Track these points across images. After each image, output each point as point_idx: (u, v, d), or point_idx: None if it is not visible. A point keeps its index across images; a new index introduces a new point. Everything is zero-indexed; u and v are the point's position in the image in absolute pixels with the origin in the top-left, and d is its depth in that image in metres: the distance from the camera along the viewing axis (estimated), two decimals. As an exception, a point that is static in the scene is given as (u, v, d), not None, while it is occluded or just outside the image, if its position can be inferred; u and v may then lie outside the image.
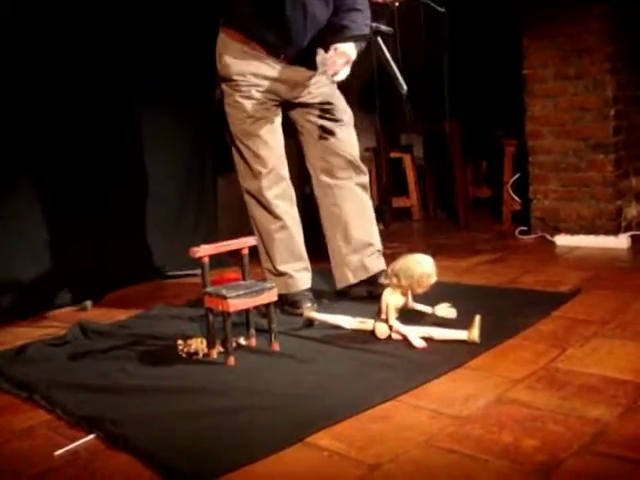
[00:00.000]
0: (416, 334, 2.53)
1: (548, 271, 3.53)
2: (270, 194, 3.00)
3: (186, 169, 4.17)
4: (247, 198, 3.07)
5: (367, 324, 2.68)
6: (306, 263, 3.12)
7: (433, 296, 2.77)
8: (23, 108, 3.39)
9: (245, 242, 2.65)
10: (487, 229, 4.72)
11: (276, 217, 3.02)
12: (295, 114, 3.09)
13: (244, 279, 2.65)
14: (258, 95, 2.94)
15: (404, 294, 2.60)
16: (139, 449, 1.86)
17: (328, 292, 3.26)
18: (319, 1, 2.86)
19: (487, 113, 5.10)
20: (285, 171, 3.05)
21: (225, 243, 2.65)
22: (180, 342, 2.63)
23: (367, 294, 3.11)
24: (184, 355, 2.57)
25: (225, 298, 2.41)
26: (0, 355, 2.74)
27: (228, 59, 2.94)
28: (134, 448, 1.87)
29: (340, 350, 2.52)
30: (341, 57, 2.76)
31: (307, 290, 3.09)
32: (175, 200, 4.10)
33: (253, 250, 2.80)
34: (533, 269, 3.57)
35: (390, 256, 2.72)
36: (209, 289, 2.50)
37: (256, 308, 2.67)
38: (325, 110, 3.05)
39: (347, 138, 3.09)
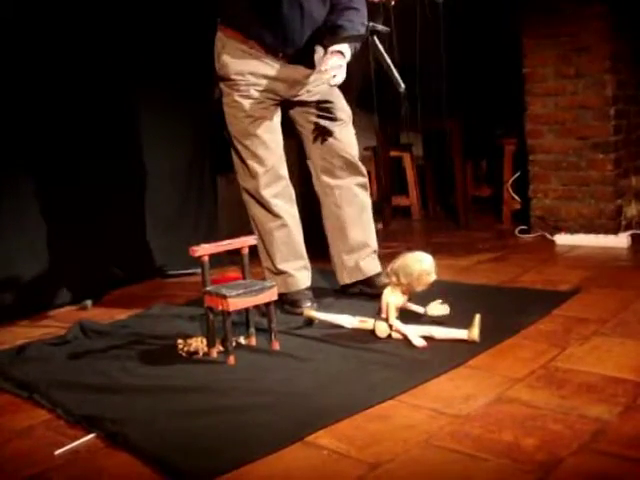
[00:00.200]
0: (416, 333, 2.53)
1: (548, 270, 3.53)
2: (268, 193, 3.00)
3: (186, 168, 4.17)
4: (246, 197, 3.07)
5: (367, 323, 2.68)
6: (306, 262, 3.13)
7: (433, 295, 2.78)
8: (23, 107, 3.38)
9: (245, 241, 2.65)
10: (487, 228, 4.72)
11: (275, 216, 3.02)
12: (294, 113, 3.09)
13: (244, 278, 2.65)
14: (257, 94, 2.94)
15: (404, 293, 2.60)
16: (139, 448, 1.86)
17: (328, 291, 3.26)
18: (316, 1, 2.86)
19: (487, 112, 5.10)
20: (284, 170, 3.05)
21: (225, 242, 2.65)
22: (180, 341, 2.63)
23: (359, 291, 3.17)
24: (184, 354, 2.57)
25: (225, 297, 2.41)
26: (0, 354, 2.74)
27: (226, 58, 2.94)
28: (134, 447, 1.87)
29: (340, 349, 2.52)
30: (337, 62, 2.75)
31: (307, 289, 3.09)
32: (175, 199, 4.10)
33: (253, 249, 2.80)
34: (533, 268, 3.57)
35: (389, 255, 2.72)
36: (209, 288, 2.50)
37: (256, 307, 2.68)
38: (324, 109, 3.05)
39: (346, 138, 3.09)
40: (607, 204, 4.08)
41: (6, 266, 3.33)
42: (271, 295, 2.54)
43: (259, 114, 2.95)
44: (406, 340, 2.53)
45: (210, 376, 2.35)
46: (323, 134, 3.05)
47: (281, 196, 3.04)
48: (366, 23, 2.82)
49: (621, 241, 3.94)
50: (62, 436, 2.00)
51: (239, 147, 3.00)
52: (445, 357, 2.36)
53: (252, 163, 2.98)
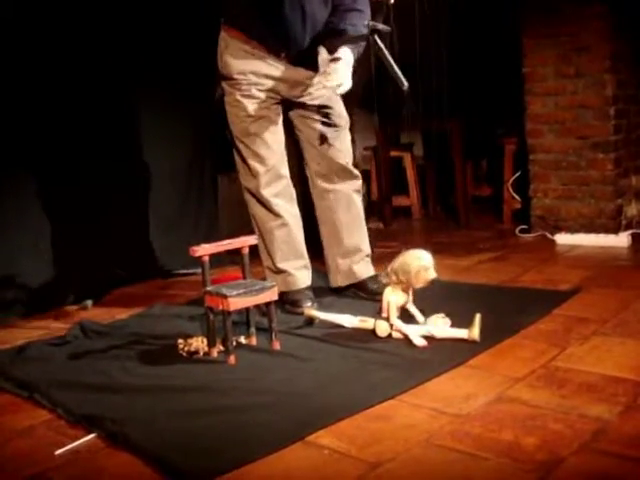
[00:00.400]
0: (417, 333, 2.53)
1: (548, 270, 3.53)
2: (269, 192, 3.01)
3: (186, 168, 4.17)
4: (247, 197, 3.07)
5: (368, 323, 2.68)
6: (306, 261, 3.14)
7: (433, 295, 2.78)
8: (24, 107, 3.38)
9: (245, 241, 2.66)
10: (487, 228, 4.72)
11: (276, 215, 3.03)
12: (293, 115, 3.10)
13: (244, 278, 2.65)
14: (258, 94, 2.94)
15: (405, 292, 2.60)
16: (140, 448, 1.86)
17: (329, 290, 3.26)
18: (318, 1, 2.86)
19: (487, 112, 5.10)
20: (285, 170, 3.06)
21: (225, 242, 2.65)
22: (180, 341, 2.63)
23: (353, 294, 3.20)
24: (184, 354, 2.57)
25: (225, 297, 2.42)
26: (1, 354, 2.74)
27: (229, 58, 2.94)
28: (135, 447, 1.87)
29: (341, 349, 2.52)
30: (343, 72, 2.79)
31: (307, 288, 3.10)
32: (176, 199, 4.10)
33: (253, 249, 2.80)
34: (533, 268, 3.57)
35: (390, 255, 2.71)
36: (209, 288, 2.50)
37: (256, 307, 2.68)
38: (323, 114, 3.07)
39: (341, 145, 3.11)
40: (607, 204, 4.08)
41: (6, 266, 3.33)
42: (271, 295, 2.54)
43: (260, 114, 2.96)
44: (406, 339, 2.53)
45: (210, 376, 2.35)
46: (319, 139, 3.08)
47: (282, 195, 3.04)
48: (367, 23, 2.82)
49: (621, 241, 3.94)
50: (62, 436, 2.00)
51: (240, 146, 3.01)
52: (445, 357, 2.36)
53: (253, 162, 2.98)
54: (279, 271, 3.07)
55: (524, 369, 2.23)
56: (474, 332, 2.46)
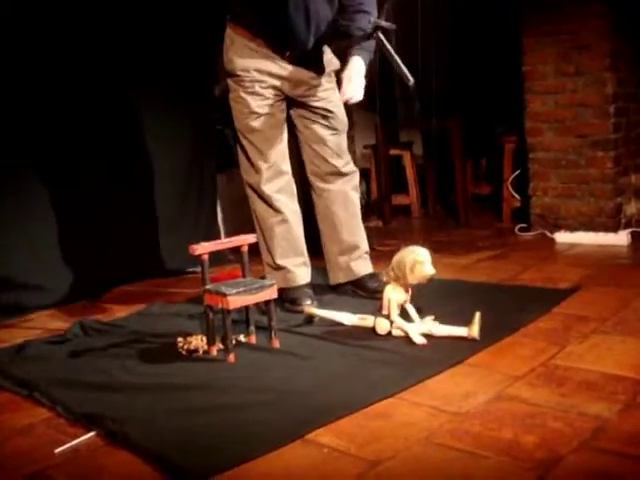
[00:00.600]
0: (416, 330, 2.53)
1: (548, 268, 3.53)
2: (270, 188, 3.02)
3: (186, 166, 4.17)
4: (249, 192, 3.09)
5: (367, 320, 2.68)
6: (305, 258, 3.15)
7: (433, 293, 2.78)
8: (24, 106, 3.39)
9: (245, 239, 2.65)
10: (487, 226, 4.72)
11: (276, 211, 3.04)
12: (294, 115, 3.10)
13: (244, 276, 2.65)
14: (262, 91, 2.95)
15: (406, 290, 2.60)
16: (139, 446, 1.86)
17: (328, 288, 3.27)
18: (322, 1, 2.86)
19: (487, 110, 5.10)
20: (287, 166, 3.07)
21: (225, 240, 2.65)
22: (180, 339, 2.63)
23: (352, 293, 3.21)
24: (184, 352, 2.57)
25: (225, 295, 2.42)
26: (0, 353, 2.74)
27: (233, 55, 2.95)
28: (134, 445, 1.87)
29: (340, 347, 2.52)
30: (357, 85, 2.92)
31: (306, 285, 3.11)
32: (175, 197, 4.09)
33: (253, 248, 2.80)
34: (533, 266, 3.57)
35: (389, 253, 2.71)
36: (209, 286, 2.50)
37: (256, 305, 2.68)
38: (324, 117, 3.08)
39: (337, 147, 3.13)
40: (607, 202, 4.08)
41: (6, 264, 3.33)
42: (271, 293, 2.54)
43: (263, 110, 2.97)
44: (406, 337, 2.53)
45: (210, 374, 2.35)
46: (316, 141, 3.09)
47: (283, 191, 3.05)
48: (372, 21, 2.83)
49: (621, 239, 3.94)
50: (62, 434, 2.00)
51: (244, 142, 3.03)
52: (445, 355, 2.36)
53: (255, 158, 3.01)
54: (279, 267, 3.08)
55: (524, 367, 2.23)
56: (474, 330, 2.46)
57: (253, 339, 2.64)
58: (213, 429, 1.93)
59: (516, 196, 4.63)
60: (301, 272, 3.11)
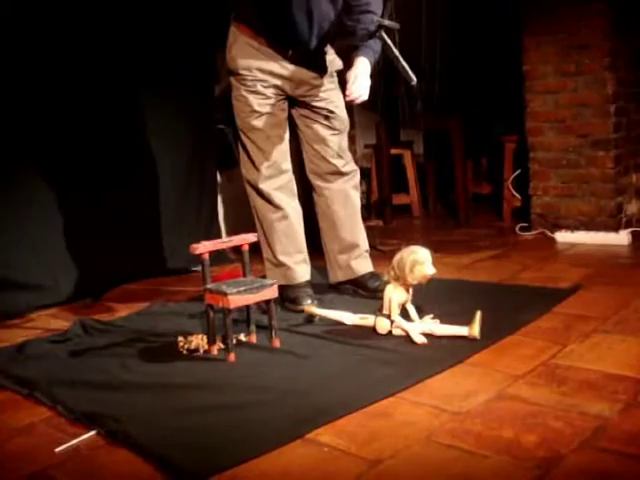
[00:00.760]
0: (417, 330, 2.53)
1: (548, 267, 3.53)
2: (269, 186, 3.03)
3: (187, 165, 4.17)
4: (248, 189, 3.10)
5: (368, 320, 2.68)
6: (305, 255, 3.15)
7: (433, 292, 2.78)
8: (24, 105, 3.38)
9: (245, 239, 2.65)
10: (487, 226, 4.72)
11: (276, 207, 3.05)
12: (296, 114, 3.11)
13: (244, 275, 2.65)
14: (263, 90, 2.96)
15: (406, 290, 2.60)
16: (140, 445, 1.86)
17: (328, 287, 3.27)
18: (326, 2, 2.86)
19: (488, 109, 5.10)
20: (287, 165, 3.08)
21: (225, 240, 2.65)
22: (180, 339, 2.63)
23: (353, 292, 3.21)
24: (184, 352, 2.57)
25: (225, 294, 2.42)
26: (1, 352, 2.74)
27: (236, 53, 2.96)
28: (135, 444, 1.87)
29: (341, 346, 2.52)
30: (364, 85, 2.92)
31: (306, 283, 3.11)
32: (176, 196, 4.09)
33: (253, 247, 2.80)
34: (533, 265, 3.57)
35: (390, 253, 2.71)
36: (209, 285, 2.50)
37: (257, 305, 2.68)
38: (325, 117, 3.09)
39: (337, 147, 3.13)
40: (607, 201, 4.08)
41: (6, 263, 3.33)
42: (272, 292, 2.54)
43: (265, 110, 2.97)
44: (407, 337, 2.53)
45: (210, 373, 2.35)
46: (317, 141, 3.10)
47: (282, 189, 3.06)
48: (375, 20, 2.83)
49: (621, 238, 3.93)
50: (63, 433, 2.00)
51: (244, 140, 3.04)
52: (446, 354, 2.36)
53: (255, 156, 3.01)
54: (279, 264, 3.08)
55: (524, 367, 2.23)
56: (474, 330, 2.46)
57: (254, 338, 2.64)
58: (213, 428, 1.93)
59: (517, 195, 4.63)
60: (301, 269, 3.11)
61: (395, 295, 2.58)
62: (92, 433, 1.97)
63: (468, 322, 2.48)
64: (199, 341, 2.59)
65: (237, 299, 2.44)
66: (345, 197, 3.17)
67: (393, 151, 5.35)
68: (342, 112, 3.14)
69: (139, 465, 1.79)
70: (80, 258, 3.58)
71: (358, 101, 2.97)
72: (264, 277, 2.99)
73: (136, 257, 3.86)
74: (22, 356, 2.66)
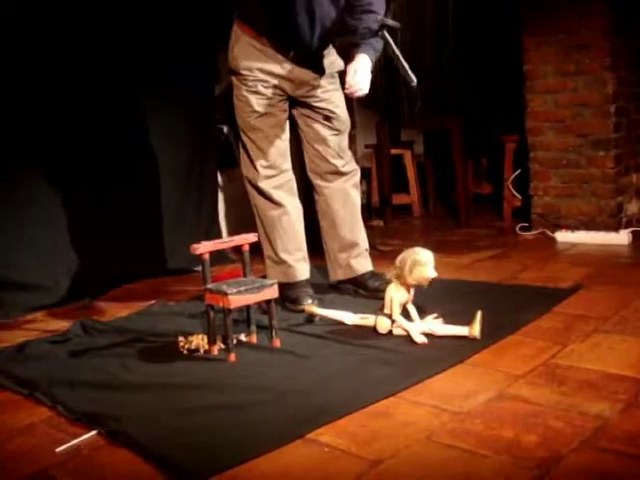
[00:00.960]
0: (418, 330, 2.53)
1: (549, 267, 3.53)
2: (270, 185, 3.04)
3: (188, 165, 4.17)
4: (248, 187, 3.11)
5: (368, 320, 2.68)
6: (304, 253, 3.16)
7: (434, 292, 2.77)
8: (24, 105, 3.38)
9: (246, 239, 2.65)
10: (488, 226, 4.72)
11: (277, 204, 3.06)
12: (297, 114, 3.11)
13: (245, 275, 2.65)
14: (264, 91, 2.96)
15: (408, 290, 2.60)
16: (140, 445, 1.86)
17: (328, 287, 3.27)
18: (328, 2, 2.86)
19: (488, 109, 5.10)
20: (287, 165, 3.09)
21: (226, 239, 2.65)
22: (181, 339, 2.63)
23: (353, 292, 3.21)
24: (185, 352, 2.57)
25: (226, 294, 2.42)
26: (1, 352, 2.74)
27: (238, 52, 2.97)
28: (135, 444, 1.87)
29: (341, 346, 2.52)
30: (364, 78, 2.89)
31: (306, 281, 3.11)
32: (176, 196, 4.10)
33: (253, 247, 2.80)
34: (534, 265, 3.57)
35: (390, 253, 2.71)
36: (210, 285, 2.50)
37: (257, 304, 2.68)
38: (326, 117, 3.09)
39: (338, 147, 3.13)
40: (608, 201, 4.08)
41: (6, 263, 3.33)
42: (272, 292, 2.54)
43: (265, 110, 2.98)
44: (407, 337, 2.53)
45: (211, 373, 2.35)
46: (318, 140, 3.10)
47: (282, 188, 3.07)
48: (378, 19, 2.82)
49: (622, 238, 3.93)
50: (63, 433, 2.00)
51: (245, 139, 3.04)
52: (446, 354, 2.36)
53: (255, 156, 3.02)
54: (280, 261, 3.09)
55: (525, 366, 2.23)
56: (475, 329, 2.46)
57: (254, 338, 2.64)
58: (213, 428, 1.93)
59: (517, 195, 4.63)
60: (301, 267, 3.12)
61: (396, 295, 2.58)
62: (92, 433, 1.97)
63: (468, 322, 2.48)
64: (199, 341, 2.59)
65: (237, 299, 2.44)
66: (345, 196, 3.18)
67: (393, 151, 5.36)
68: (343, 112, 3.14)
69: (139, 465, 1.79)
70: (80, 258, 3.58)
71: (358, 94, 2.93)
72: (264, 277, 2.99)
73: (136, 257, 3.87)
74: (22, 356, 2.66)
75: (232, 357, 2.45)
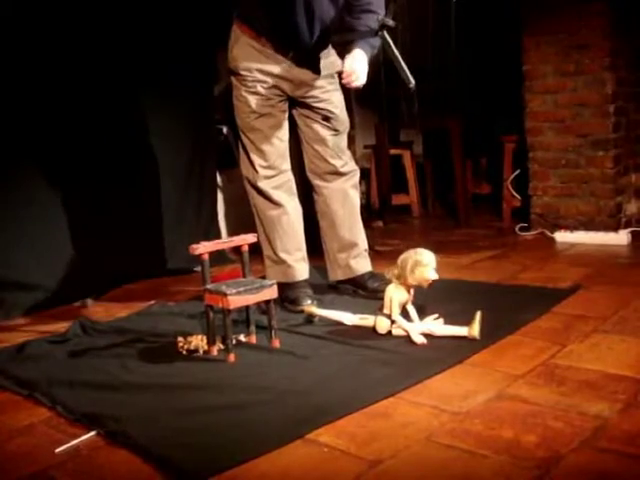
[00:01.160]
0: (417, 330, 2.53)
1: (548, 267, 3.53)
2: (269, 185, 3.04)
3: (187, 166, 4.17)
4: (248, 188, 3.11)
5: (368, 320, 2.68)
6: (304, 254, 3.16)
7: (433, 293, 2.77)
8: (24, 105, 3.38)
9: (245, 239, 2.65)
10: (487, 226, 4.72)
11: (276, 204, 3.06)
12: (296, 114, 3.12)
13: (244, 276, 2.65)
14: (263, 91, 2.96)
15: (408, 290, 2.60)
16: (139, 446, 1.86)
17: (327, 288, 3.27)
18: (327, 2, 2.86)
19: (487, 109, 5.10)
20: (286, 165, 3.09)
21: (225, 240, 2.65)
22: (180, 339, 2.63)
23: (353, 292, 3.22)
24: (184, 352, 2.57)
25: (225, 295, 2.42)
26: (1, 353, 2.73)
27: (237, 53, 2.97)
28: (134, 445, 1.87)
29: (340, 346, 2.52)
30: (360, 66, 2.89)
31: (305, 281, 3.12)
32: (176, 197, 4.09)
33: (253, 247, 2.80)
34: (533, 265, 3.57)
35: (389, 253, 2.72)
36: (209, 286, 2.50)
37: (256, 305, 2.68)
38: (325, 118, 3.09)
39: (337, 148, 3.14)
40: (607, 201, 4.08)
41: (6, 264, 3.32)
42: (271, 293, 2.54)
43: (264, 110, 2.98)
44: (407, 337, 2.53)
45: (210, 374, 2.35)
46: (317, 141, 3.10)
47: (281, 188, 3.07)
48: (378, 19, 2.83)
49: (621, 238, 3.94)
50: (63, 434, 2.00)
51: (244, 139, 3.05)
52: (445, 354, 2.36)
53: (254, 156, 3.02)
54: (279, 261, 3.09)
55: (524, 367, 2.23)
56: (474, 330, 2.46)
57: (253, 339, 2.64)
58: (213, 429, 1.93)
59: (516, 196, 4.63)
60: (301, 267, 3.12)
61: (396, 295, 2.58)
62: (92, 433, 1.97)
63: (468, 322, 2.49)
64: (199, 341, 2.59)
65: (237, 299, 2.44)
66: (344, 196, 3.18)
67: (393, 151, 5.36)
68: (342, 113, 3.14)
69: (139, 465, 1.79)
70: (80, 258, 3.58)
71: (355, 84, 2.91)
72: (264, 277, 2.99)
73: (136, 257, 3.86)
74: (22, 357, 2.66)
75: (231, 357, 2.46)
